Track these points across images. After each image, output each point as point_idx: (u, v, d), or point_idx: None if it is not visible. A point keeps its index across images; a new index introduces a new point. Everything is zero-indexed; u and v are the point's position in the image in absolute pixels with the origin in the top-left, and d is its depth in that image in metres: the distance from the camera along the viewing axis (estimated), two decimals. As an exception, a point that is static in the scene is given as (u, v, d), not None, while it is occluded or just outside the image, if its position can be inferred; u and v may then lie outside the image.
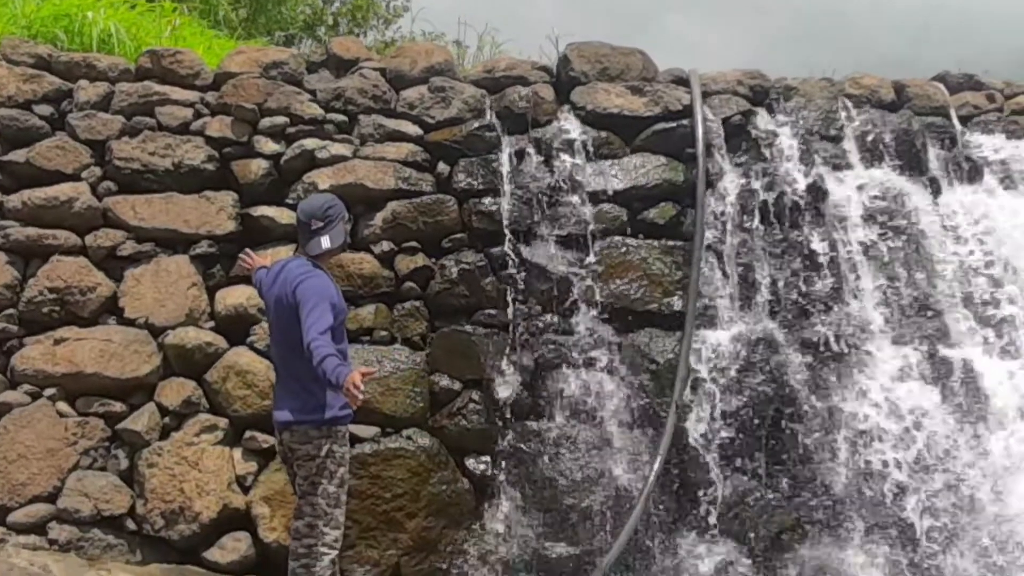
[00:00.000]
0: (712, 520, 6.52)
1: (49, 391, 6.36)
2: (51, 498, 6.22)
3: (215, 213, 6.77)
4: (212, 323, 6.66)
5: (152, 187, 6.77)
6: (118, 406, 6.42)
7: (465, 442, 6.61)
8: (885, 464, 6.52)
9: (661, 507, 6.52)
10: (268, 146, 6.90)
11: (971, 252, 7.16)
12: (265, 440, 6.31)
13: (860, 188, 7.16)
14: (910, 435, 6.57)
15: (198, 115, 6.98)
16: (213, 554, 6.26)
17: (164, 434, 6.41)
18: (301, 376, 5.14)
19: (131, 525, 6.28)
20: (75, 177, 6.72)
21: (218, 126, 6.91)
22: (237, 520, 6.34)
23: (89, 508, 6.19)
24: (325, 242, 5.28)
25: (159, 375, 6.50)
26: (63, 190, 6.64)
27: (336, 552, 5.24)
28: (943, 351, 6.85)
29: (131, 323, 6.54)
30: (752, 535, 6.54)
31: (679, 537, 6.50)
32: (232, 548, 6.29)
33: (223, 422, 6.45)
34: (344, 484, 5.29)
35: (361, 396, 4.77)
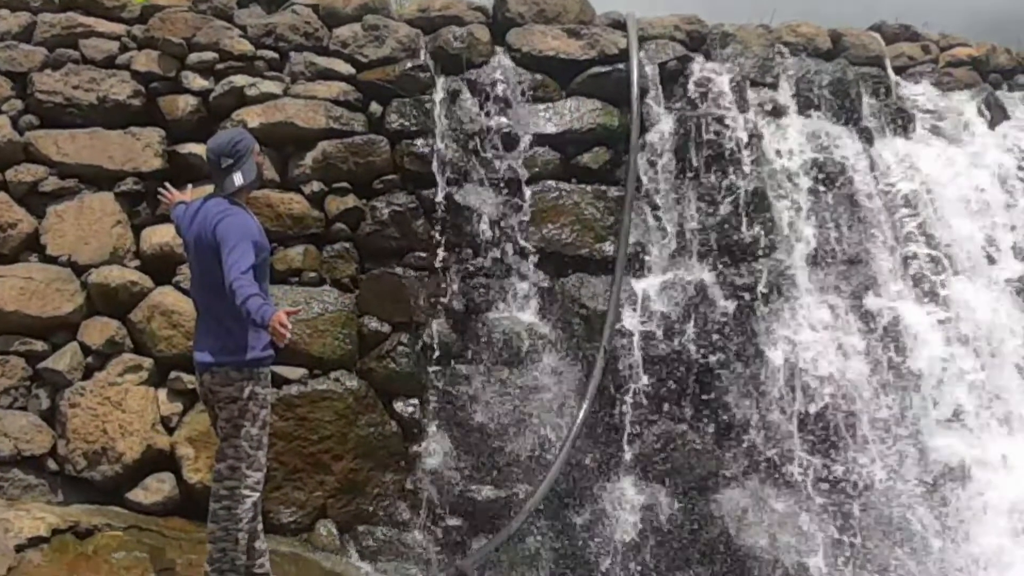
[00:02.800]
0: (638, 464, 6.58)
1: (-33, 329, 6.24)
2: (-31, 438, 6.12)
3: (141, 150, 6.63)
4: (137, 262, 6.56)
5: (76, 122, 6.62)
6: (39, 345, 6.33)
7: (393, 385, 6.59)
8: (810, 411, 6.60)
9: (588, 451, 6.56)
10: (196, 82, 6.76)
11: (902, 202, 7.22)
12: (191, 381, 6.21)
13: (794, 135, 7.16)
14: (836, 383, 6.65)
15: (124, 49, 6.81)
16: (136, 495, 6.22)
17: (87, 374, 6.33)
18: (222, 316, 5.06)
19: (52, 465, 6.22)
20: (-6, 110, 6.55)
21: (145, 60, 6.75)
22: (161, 461, 6.30)
23: (9, 448, 6.10)
24: (238, 179, 5.15)
25: (82, 314, 6.41)
26: (-19, 123, 6.47)
27: (258, 494, 5.20)
28: (871, 300, 6.93)
29: (53, 260, 6.42)
30: (678, 479, 6.61)
31: (605, 481, 6.56)
32: (156, 489, 6.25)
33: (148, 362, 6.38)
34: (266, 426, 5.24)
35: (288, 334, 4.71)
